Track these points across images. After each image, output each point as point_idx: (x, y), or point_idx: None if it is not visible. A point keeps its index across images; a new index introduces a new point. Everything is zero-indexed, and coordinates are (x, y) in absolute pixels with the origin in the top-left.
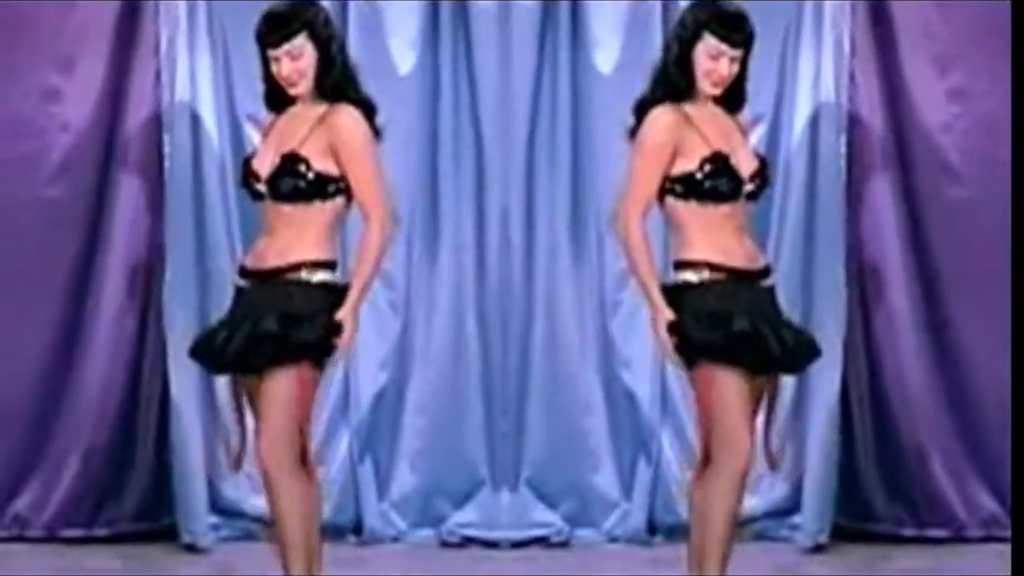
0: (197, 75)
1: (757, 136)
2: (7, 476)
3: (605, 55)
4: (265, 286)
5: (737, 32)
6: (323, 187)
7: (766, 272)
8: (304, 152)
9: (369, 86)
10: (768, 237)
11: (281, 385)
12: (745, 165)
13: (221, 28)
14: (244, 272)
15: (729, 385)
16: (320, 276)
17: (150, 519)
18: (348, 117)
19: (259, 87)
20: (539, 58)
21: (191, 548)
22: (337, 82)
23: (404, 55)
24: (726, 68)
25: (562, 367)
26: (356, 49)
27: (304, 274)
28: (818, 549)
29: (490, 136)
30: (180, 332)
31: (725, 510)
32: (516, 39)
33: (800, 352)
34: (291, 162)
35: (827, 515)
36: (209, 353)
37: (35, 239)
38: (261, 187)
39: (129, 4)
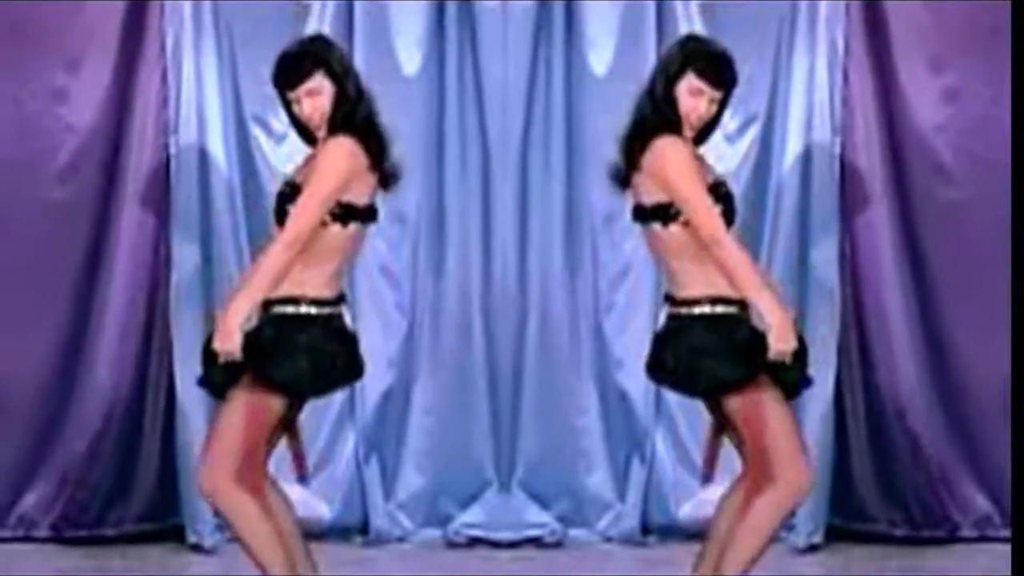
0: (203, 76)
1: (751, 137)
2: (14, 477)
3: (599, 57)
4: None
5: (720, 74)
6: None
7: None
8: (299, 179)
9: (375, 87)
10: (762, 238)
11: (225, 409)
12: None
13: (227, 29)
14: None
15: (780, 408)
16: (295, 309)
17: (156, 519)
18: (334, 145)
19: (265, 89)
20: (533, 59)
21: (197, 548)
22: (349, 116)
23: (410, 56)
24: (704, 108)
25: (555, 368)
26: (362, 50)
27: (287, 308)
28: (812, 549)
29: (495, 136)
30: (186, 333)
31: (769, 526)
32: (511, 40)
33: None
34: (289, 189)
35: (821, 516)
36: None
37: (42, 240)
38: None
39: (135, 5)
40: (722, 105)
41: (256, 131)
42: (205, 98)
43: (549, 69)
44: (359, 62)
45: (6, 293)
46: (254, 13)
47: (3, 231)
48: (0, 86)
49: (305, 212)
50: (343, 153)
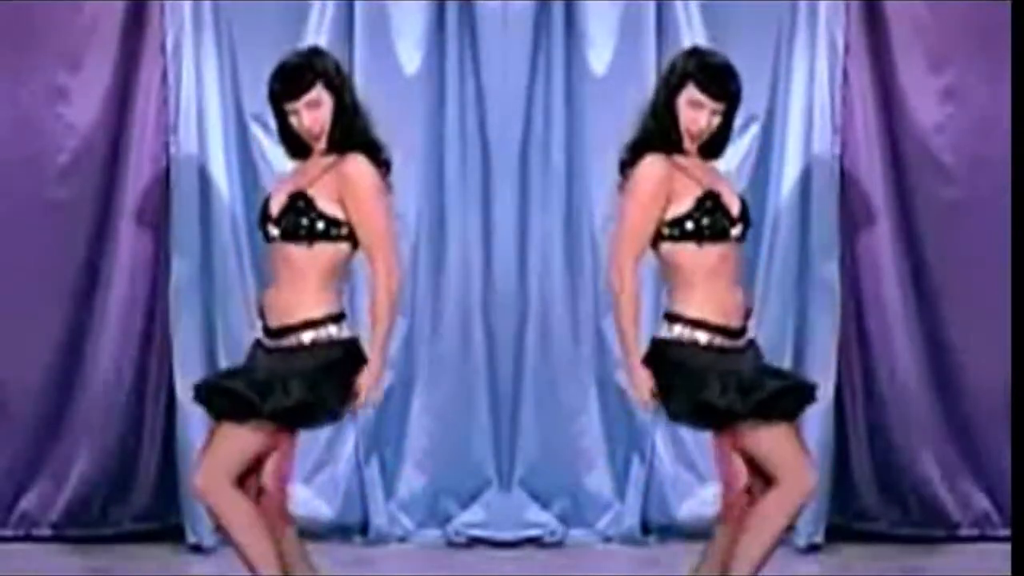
0: (203, 76)
1: (751, 136)
2: (15, 475)
3: (599, 57)
4: (270, 350)
5: (720, 86)
6: (327, 229)
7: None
8: (311, 192)
9: (375, 87)
10: (762, 238)
11: (237, 436)
12: (732, 206)
13: (227, 29)
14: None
15: (774, 433)
16: (312, 335)
17: (156, 519)
18: (356, 165)
19: (265, 89)
20: (533, 59)
21: (197, 548)
22: (349, 129)
23: (410, 56)
24: (705, 120)
25: (555, 368)
26: (362, 50)
27: (300, 336)
28: (812, 549)
29: (495, 136)
30: (185, 333)
31: (777, 527)
32: (511, 40)
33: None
34: (297, 200)
35: (821, 515)
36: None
37: (42, 239)
38: (272, 228)
39: (135, 4)
40: (728, 118)
41: (256, 130)
42: (205, 98)
43: (549, 69)
44: (359, 62)
45: (6, 293)
46: (254, 13)
47: (3, 231)
48: (0, 86)
49: (391, 234)
50: (370, 172)
